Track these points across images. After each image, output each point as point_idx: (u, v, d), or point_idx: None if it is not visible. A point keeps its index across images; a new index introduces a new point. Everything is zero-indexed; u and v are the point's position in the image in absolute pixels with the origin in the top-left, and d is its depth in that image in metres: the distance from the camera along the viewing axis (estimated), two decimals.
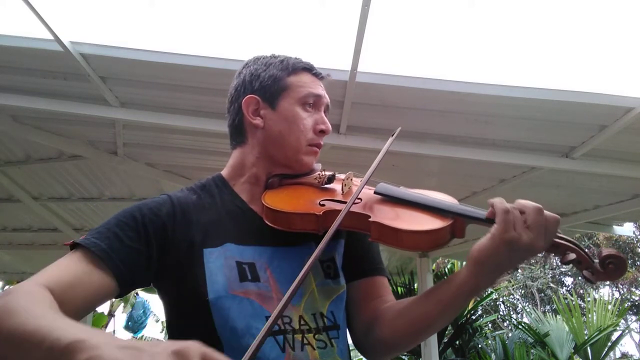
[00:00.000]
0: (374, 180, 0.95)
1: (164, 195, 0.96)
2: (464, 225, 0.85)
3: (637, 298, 16.06)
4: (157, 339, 12.79)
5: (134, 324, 10.57)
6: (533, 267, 17.46)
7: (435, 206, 0.87)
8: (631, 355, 15.06)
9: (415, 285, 5.89)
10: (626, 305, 11.59)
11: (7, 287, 8.67)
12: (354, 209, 0.89)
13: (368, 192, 0.95)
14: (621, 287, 16.12)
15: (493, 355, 5.73)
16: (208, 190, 1.01)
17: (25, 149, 3.55)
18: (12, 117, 3.09)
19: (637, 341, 16.32)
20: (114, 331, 11.32)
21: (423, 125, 2.80)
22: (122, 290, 0.84)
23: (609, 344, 5.82)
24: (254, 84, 1.02)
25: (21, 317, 0.64)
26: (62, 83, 2.70)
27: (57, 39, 2.32)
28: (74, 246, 0.83)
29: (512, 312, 17.62)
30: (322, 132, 1.02)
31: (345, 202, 0.88)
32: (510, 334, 6.98)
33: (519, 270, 17.07)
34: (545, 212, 0.79)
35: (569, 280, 17.93)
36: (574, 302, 5.91)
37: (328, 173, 1.01)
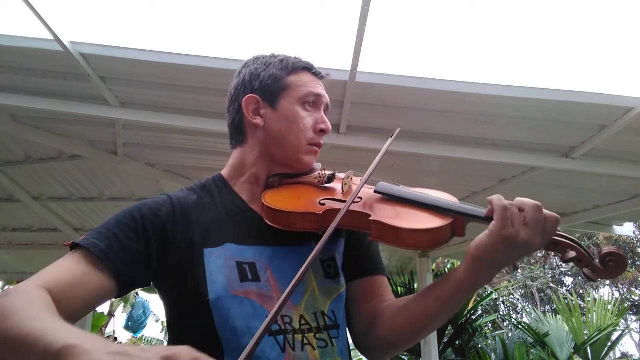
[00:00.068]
0: (374, 179, 0.95)
1: (164, 195, 0.96)
2: (465, 224, 0.85)
3: (637, 298, 16.06)
4: (157, 339, 12.79)
5: (134, 324, 10.57)
6: (533, 267, 17.47)
7: (435, 205, 0.87)
8: (631, 355, 15.06)
9: (415, 285, 5.90)
10: (626, 305, 11.59)
11: (7, 287, 8.67)
12: (354, 208, 0.89)
13: (368, 191, 0.95)
14: (621, 287, 16.13)
15: (493, 355, 5.73)
16: (208, 190, 1.00)
17: (25, 149, 3.55)
18: (12, 117, 3.09)
19: (637, 341, 16.32)
20: (114, 331, 11.33)
21: (423, 125, 2.80)
22: (122, 291, 0.84)
23: (609, 344, 5.82)
24: (254, 84, 1.02)
25: (17, 319, 0.64)
26: (62, 83, 2.70)
27: (57, 39, 2.32)
28: (74, 247, 0.84)
29: (512, 312, 17.62)
30: (322, 132, 1.02)
31: (345, 202, 0.88)
32: (510, 334, 6.98)
33: (519, 270, 17.08)
34: (545, 210, 0.79)
35: (569, 280, 17.94)
36: (574, 302, 5.91)
37: (328, 172, 1.01)
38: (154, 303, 11.41)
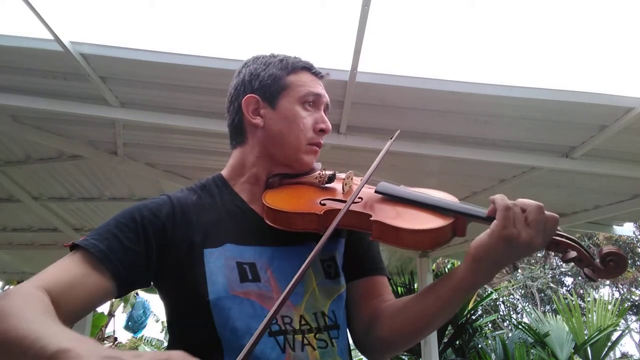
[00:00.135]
0: (375, 179, 0.95)
1: (163, 195, 0.96)
2: (465, 224, 0.85)
3: (637, 298, 16.06)
4: (157, 339, 12.79)
5: (134, 324, 10.58)
6: (533, 267, 17.47)
7: (436, 205, 0.87)
8: (631, 355, 15.06)
9: (415, 285, 5.90)
10: (626, 305, 11.59)
11: (7, 287, 8.68)
12: (355, 208, 0.89)
13: (369, 192, 0.95)
14: (621, 287, 16.13)
15: (493, 355, 5.73)
16: (208, 190, 1.00)
17: (25, 149, 3.55)
18: (12, 117, 3.09)
19: (637, 341, 16.32)
20: (114, 331, 11.33)
21: (423, 125, 2.80)
22: (121, 291, 0.84)
23: (609, 344, 5.82)
24: (253, 84, 1.02)
25: (14, 321, 0.65)
26: (62, 83, 2.70)
27: (57, 39, 2.32)
28: (74, 247, 0.84)
29: (512, 312, 17.62)
30: (322, 131, 1.02)
31: (346, 202, 0.88)
32: (510, 334, 6.98)
33: (519, 270, 17.08)
34: (545, 211, 0.79)
35: (569, 280, 17.94)
36: (574, 302, 5.91)
37: (328, 172, 1.01)
38: (154, 303, 11.42)
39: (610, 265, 0.79)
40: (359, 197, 0.92)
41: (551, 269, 17.76)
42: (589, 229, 4.40)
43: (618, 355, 12.77)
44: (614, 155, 2.86)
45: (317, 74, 1.05)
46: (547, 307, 16.59)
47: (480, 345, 5.93)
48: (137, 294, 11.00)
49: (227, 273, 0.87)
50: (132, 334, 11.57)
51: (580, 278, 16.68)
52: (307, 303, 0.90)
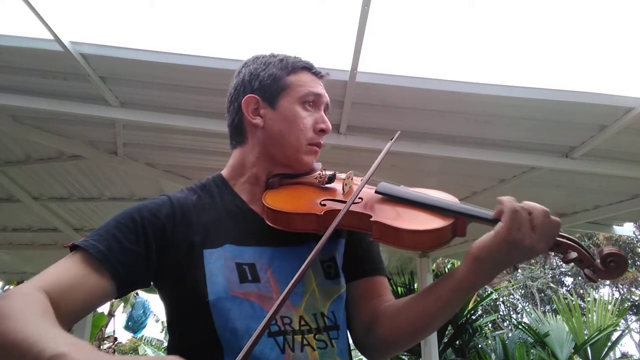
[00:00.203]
0: (375, 179, 0.95)
1: (163, 196, 0.96)
2: (466, 224, 0.85)
3: (637, 298, 16.06)
4: (157, 339, 12.79)
5: (134, 324, 10.58)
6: (533, 267, 17.47)
7: (436, 205, 0.87)
8: (631, 355, 15.07)
9: (415, 285, 5.90)
10: (626, 305, 11.59)
11: (7, 287, 8.67)
12: (355, 208, 0.89)
13: (369, 192, 0.95)
14: (621, 287, 16.13)
15: (493, 355, 5.73)
16: (208, 190, 1.00)
17: (25, 149, 3.55)
18: (12, 117, 3.09)
19: (637, 341, 16.33)
20: (114, 331, 11.33)
21: (423, 125, 2.79)
22: (121, 292, 0.84)
23: (609, 344, 5.82)
24: (253, 84, 1.01)
25: (13, 323, 0.65)
26: (62, 83, 2.69)
27: (57, 39, 2.32)
28: (73, 248, 0.84)
29: (512, 312, 17.63)
30: (322, 131, 1.02)
31: (346, 202, 0.88)
32: (510, 334, 6.98)
33: (519, 270, 17.08)
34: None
35: (569, 280, 17.94)
36: (574, 302, 5.91)
37: (328, 173, 1.00)
38: (154, 303, 11.43)
39: (611, 265, 0.79)
40: (359, 198, 0.92)
41: (551, 269, 17.76)
42: (589, 229, 4.40)
43: (618, 355, 12.78)
44: (614, 155, 2.86)
45: (317, 73, 1.05)
46: (547, 307, 16.59)
47: (480, 345, 5.93)
48: (137, 294, 11.00)
49: (227, 274, 0.87)
50: (132, 334, 11.58)
51: (580, 278, 16.68)
52: (306, 303, 0.90)
